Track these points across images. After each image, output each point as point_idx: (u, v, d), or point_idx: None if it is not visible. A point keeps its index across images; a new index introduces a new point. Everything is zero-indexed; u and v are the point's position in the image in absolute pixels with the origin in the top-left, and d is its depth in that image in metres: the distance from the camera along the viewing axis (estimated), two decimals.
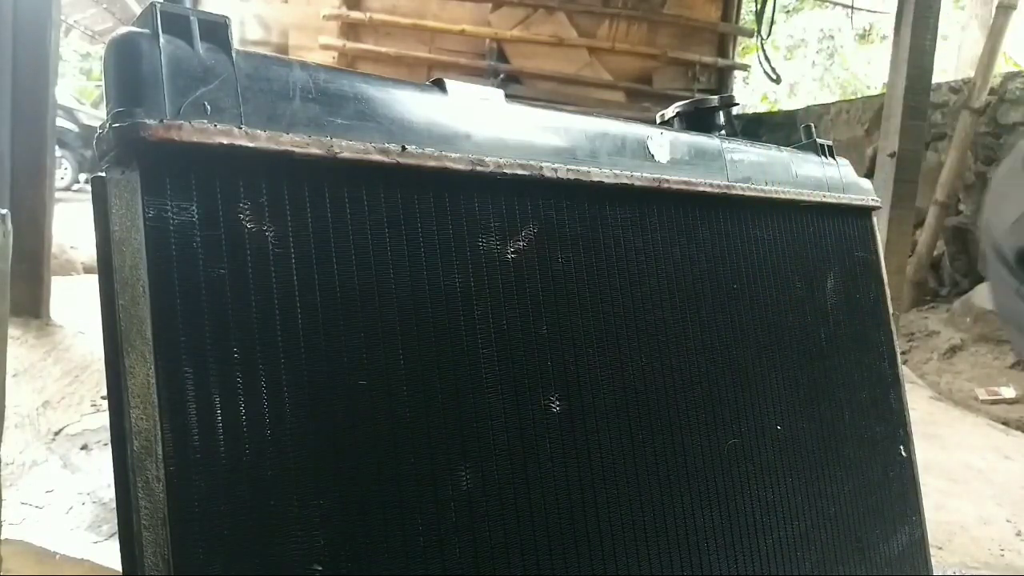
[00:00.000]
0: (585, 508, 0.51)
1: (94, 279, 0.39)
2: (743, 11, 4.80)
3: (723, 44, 4.55)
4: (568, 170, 0.53)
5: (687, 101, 0.74)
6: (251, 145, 0.39)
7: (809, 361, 0.71)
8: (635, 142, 0.59)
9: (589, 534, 0.51)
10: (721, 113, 0.73)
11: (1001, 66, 3.78)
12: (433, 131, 0.47)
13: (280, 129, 0.40)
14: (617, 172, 0.56)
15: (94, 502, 1.17)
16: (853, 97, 5.96)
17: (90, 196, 0.40)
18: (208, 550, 0.36)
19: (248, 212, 0.39)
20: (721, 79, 4.56)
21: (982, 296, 2.86)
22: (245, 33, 4.12)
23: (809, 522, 0.68)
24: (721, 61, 4.48)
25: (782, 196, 0.70)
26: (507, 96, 0.53)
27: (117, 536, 0.38)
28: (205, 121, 0.38)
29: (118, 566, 0.39)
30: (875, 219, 0.83)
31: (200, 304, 0.37)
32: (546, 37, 4.24)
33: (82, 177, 6.83)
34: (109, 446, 0.39)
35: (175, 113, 0.37)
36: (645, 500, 0.55)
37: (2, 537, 0.94)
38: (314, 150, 0.41)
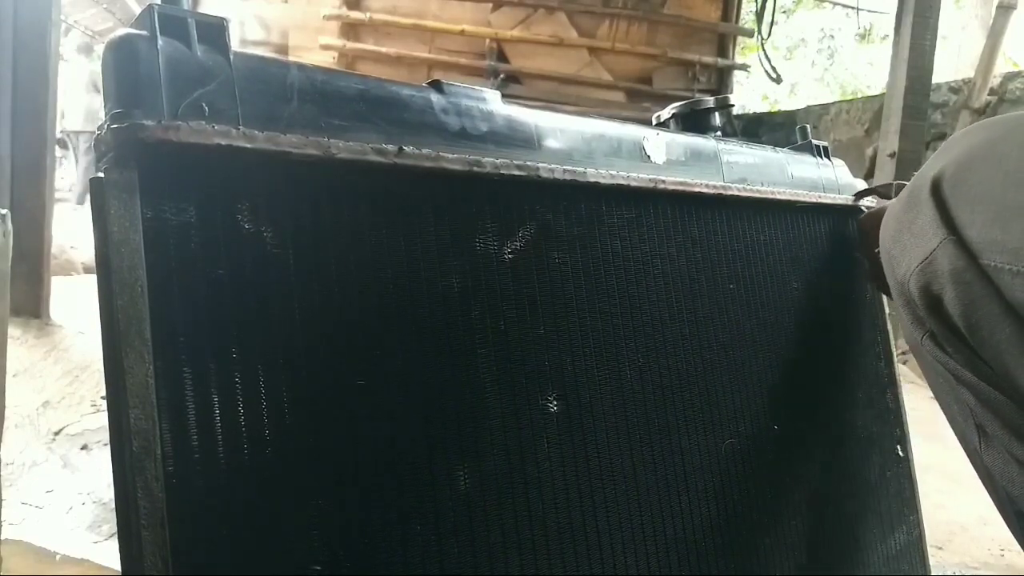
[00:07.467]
0: (583, 508, 0.51)
1: (94, 279, 0.39)
2: (743, 11, 4.80)
3: (723, 44, 4.55)
4: (565, 171, 0.53)
5: (683, 102, 0.74)
6: (249, 146, 0.39)
7: (806, 361, 0.71)
8: (631, 143, 0.60)
9: (587, 534, 0.51)
10: (718, 114, 0.74)
11: (1001, 66, 3.78)
12: (430, 132, 0.47)
13: (278, 130, 0.41)
14: (613, 173, 0.56)
15: (94, 502, 1.17)
16: (853, 97, 5.96)
17: (89, 196, 0.40)
18: (208, 550, 0.36)
19: (246, 213, 0.39)
20: (721, 79, 4.56)
21: None
22: (245, 33, 4.13)
23: (807, 521, 0.68)
24: (721, 61, 4.48)
25: (778, 197, 0.70)
26: (507, 96, 0.54)
27: (117, 536, 0.38)
28: (203, 122, 0.38)
29: (118, 566, 0.39)
30: None
31: (198, 304, 0.37)
32: (546, 37, 4.24)
33: None
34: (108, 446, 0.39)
35: (173, 114, 0.37)
36: (643, 499, 0.55)
37: (2, 537, 0.95)
38: (311, 151, 0.41)
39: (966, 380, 0.44)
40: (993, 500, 0.50)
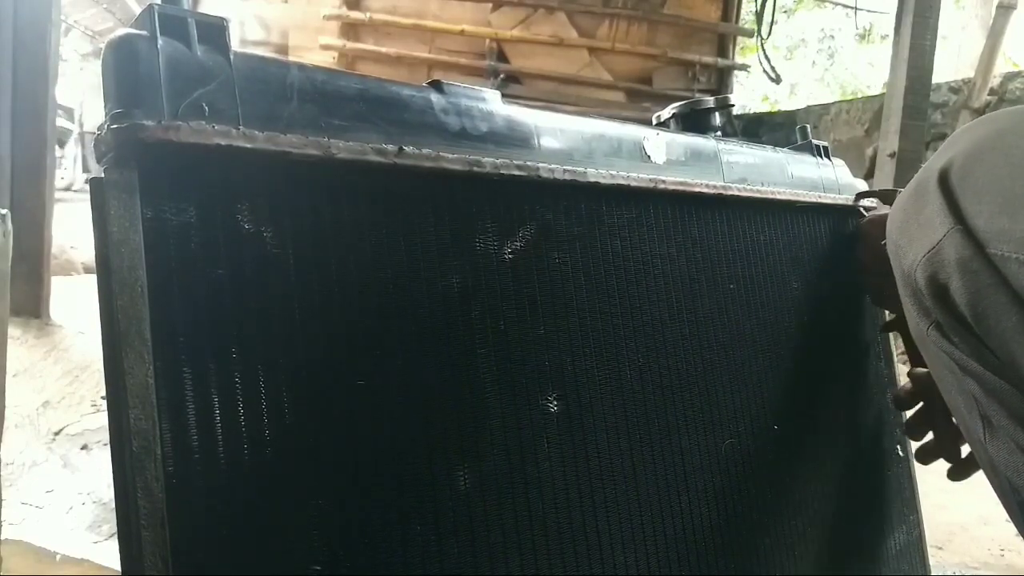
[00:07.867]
0: (583, 508, 0.51)
1: (94, 279, 0.39)
2: (743, 11, 4.80)
3: (723, 44, 4.55)
4: (565, 171, 0.53)
5: (683, 102, 0.74)
6: (249, 146, 0.39)
7: (806, 361, 0.71)
8: (631, 143, 0.60)
9: (587, 534, 0.51)
10: (718, 114, 0.74)
11: (1001, 66, 3.78)
12: (430, 132, 0.47)
13: (278, 130, 0.41)
14: (614, 173, 0.56)
15: (94, 502, 1.17)
16: (853, 97, 5.96)
17: (89, 196, 0.40)
18: (207, 550, 0.36)
19: (246, 213, 0.39)
20: (721, 79, 4.55)
21: None
22: (245, 33, 4.12)
23: (807, 521, 0.68)
24: (721, 61, 4.48)
25: (778, 197, 0.70)
26: (508, 96, 0.54)
27: (117, 536, 0.38)
28: (203, 122, 0.38)
29: (118, 566, 0.39)
30: None
31: (198, 304, 0.37)
32: (546, 37, 4.23)
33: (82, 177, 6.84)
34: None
35: (173, 114, 0.37)
36: (643, 499, 0.55)
37: (2, 537, 0.95)
38: (311, 151, 0.41)
39: (972, 370, 0.44)
40: (996, 492, 0.50)
